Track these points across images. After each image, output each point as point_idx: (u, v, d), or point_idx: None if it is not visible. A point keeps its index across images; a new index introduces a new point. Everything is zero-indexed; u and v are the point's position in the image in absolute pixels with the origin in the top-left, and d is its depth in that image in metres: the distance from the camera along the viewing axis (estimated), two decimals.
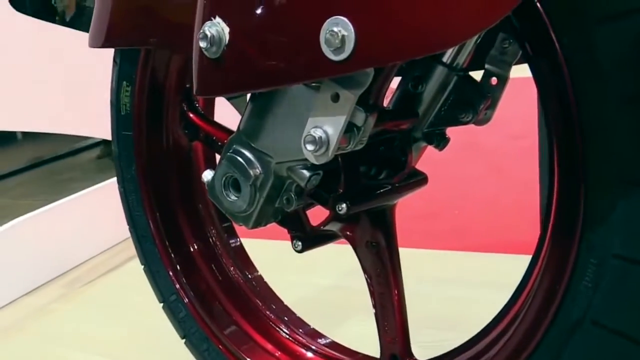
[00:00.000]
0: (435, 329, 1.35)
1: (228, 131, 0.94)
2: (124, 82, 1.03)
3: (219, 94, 0.68)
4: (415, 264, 1.61)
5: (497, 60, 0.85)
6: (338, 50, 0.52)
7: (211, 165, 1.10)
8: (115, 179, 1.14)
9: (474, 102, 0.86)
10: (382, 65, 0.66)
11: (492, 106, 0.89)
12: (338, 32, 0.52)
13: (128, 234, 1.10)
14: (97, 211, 2.24)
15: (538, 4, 0.59)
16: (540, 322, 0.64)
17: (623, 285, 0.57)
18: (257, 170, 0.72)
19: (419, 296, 1.47)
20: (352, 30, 0.51)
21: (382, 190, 0.82)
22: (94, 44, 0.94)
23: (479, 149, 2.66)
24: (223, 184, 0.75)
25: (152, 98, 1.03)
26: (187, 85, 1.03)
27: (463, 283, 1.58)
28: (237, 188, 0.74)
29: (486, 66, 0.87)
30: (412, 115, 0.84)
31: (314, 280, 1.64)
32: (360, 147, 0.66)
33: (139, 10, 0.90)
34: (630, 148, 0.55)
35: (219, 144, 0.95)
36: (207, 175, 0.78)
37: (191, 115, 1.01)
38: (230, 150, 0.73)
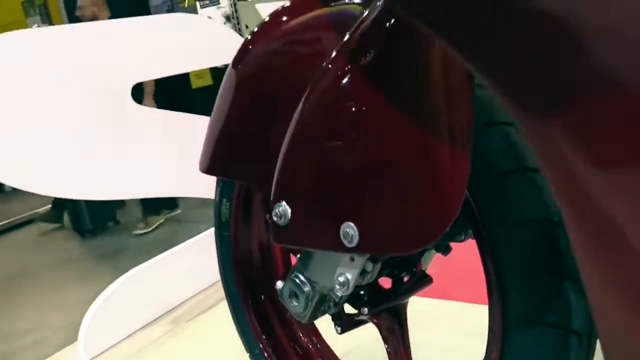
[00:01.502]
0: None
1: None
2: (224, 199, 1.40)
3: (286, 246, 1.06)
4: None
5: None
6: (350, 242, 0.88)
7: (284, 259, 1.48)
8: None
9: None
10: (377, 254, 0.96)
11: None
12: (349, 231, 0.87)
13: (217, 278, 1.44)
14: (194, 259, 2.61)
15: (474, 206, 0.96)
16: None
17: None
18: (308, 289, 1.06)
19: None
20: (357, 233, 0.87)
21: (394, 296, 1.19)
22: (201, 168, 1.16)
23: None
24: (288, 294, 1.10)
25: (244, 208, 1.39)
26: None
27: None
28: (297, 298, 1.09)
29: None
30: None
31: (356, 333, 1.94)
32: (372, 281, 1.04)
33: (232, 156, 1.13)
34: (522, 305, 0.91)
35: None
36: (279, 285, 1.12)
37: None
38: (293, 275, 1.09)
